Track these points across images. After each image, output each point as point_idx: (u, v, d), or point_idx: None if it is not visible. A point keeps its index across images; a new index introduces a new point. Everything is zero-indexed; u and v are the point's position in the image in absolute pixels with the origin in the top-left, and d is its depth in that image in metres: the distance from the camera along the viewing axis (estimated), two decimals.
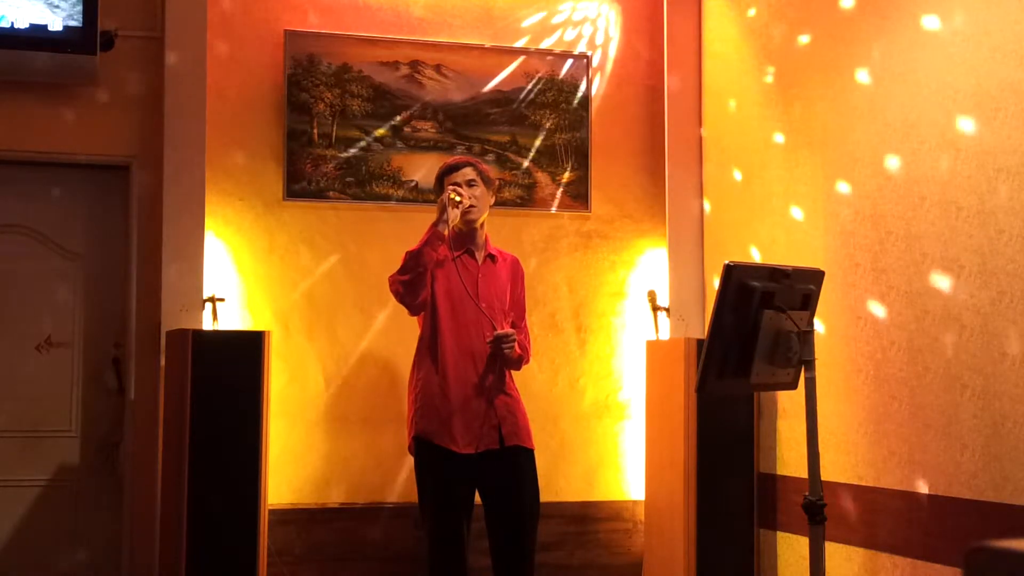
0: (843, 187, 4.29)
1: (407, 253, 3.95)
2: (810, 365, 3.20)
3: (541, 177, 5.14)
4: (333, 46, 4.91)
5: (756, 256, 4.77)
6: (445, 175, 4.12)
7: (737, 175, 4.96)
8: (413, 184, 4.97)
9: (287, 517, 4.68)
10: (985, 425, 3.61)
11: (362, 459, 4.83)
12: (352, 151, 4.91)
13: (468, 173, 4.09)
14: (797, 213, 4.55)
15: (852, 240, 4.22)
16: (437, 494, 3.94)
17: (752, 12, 4.88)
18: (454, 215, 3.95)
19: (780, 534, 4.65)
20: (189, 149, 4.60)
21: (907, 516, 3.93)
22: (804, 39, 4.55)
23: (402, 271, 3.95)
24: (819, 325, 4.13)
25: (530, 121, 5.13)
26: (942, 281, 3.79)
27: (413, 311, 4.04)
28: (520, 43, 5.15)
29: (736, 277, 3.15)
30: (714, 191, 5.12)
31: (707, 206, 5.16)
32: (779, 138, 4.68)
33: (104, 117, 4.63)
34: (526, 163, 5.12)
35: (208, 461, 4.16)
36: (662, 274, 5.18)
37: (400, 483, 4.75)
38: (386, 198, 4.94)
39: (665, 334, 5.11)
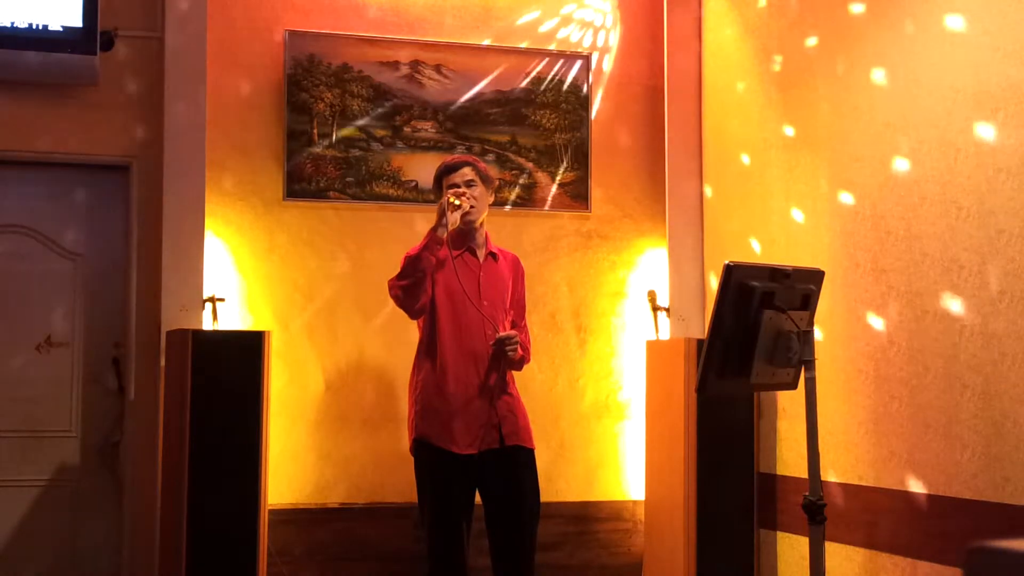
0: (843, 187, 4.29)
1: (406, 258, 3.93)
2: (810, 365, 3.20)
3: (541, 177, 5.14)
4: (333, 46, 4.91)
5: (756, 256, 4.77)
6: (444, 175, 4.11)
7: (737, 175, 4.96)
8: (413, 184, 4.97)
9: (287, 517, 4.68)
10: (985, 425, 3.61)
11: (362, 459, 4.83)
12: (352, 151, 4.91)
13: (467, 173, 4.08)
14: (797, 213, 4.55)
15: (852, 240, 4.22)
16: (437, 494, 3.94)
17: (752, 13, 4.88)
18: (453, 219, 3.93)
19: (780, 534, 4.65)
20: (189, 149, 4.60)
21: (907, 516, 3.93)
22: (804, 39, 4.55)
23: (401, 276, 3.93)
24: (819, 325, 4.13)
25: (530, 121, 5.13)
26: (942, 281, 3.79)
27: (413, 316, 4.03)
28: (520, 43, 5.15)
29: (736, 277, 3.15)
30: (714, 191, 5.12)
31: (707, 206, 5.16)
32: (779, 138, 4.68)
33: (104, 117, 4.63)
34: (526, 163, 5.12)
35: (208, 461, 4.16)
36: (662, 274, 5.18)
37: (400, 483, 4.75)
38: (386, 198, 4.94)
39: (665, 334, 5.11)
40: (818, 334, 4.18)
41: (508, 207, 5.04)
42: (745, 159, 4.91)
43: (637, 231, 5.25)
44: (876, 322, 4.09)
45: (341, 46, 4.92)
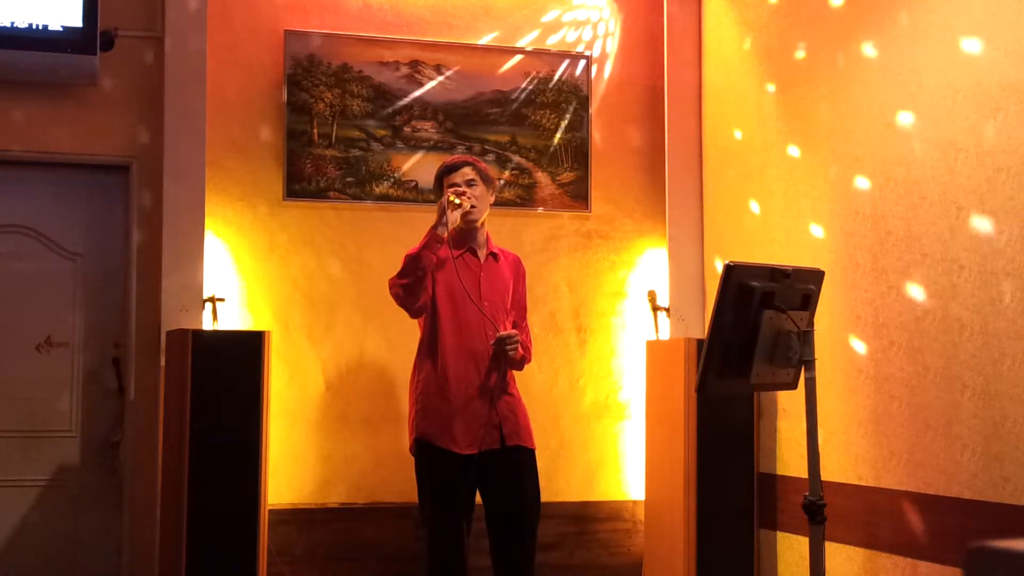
0: (843, 187, 4.29)
1: (406, 256, 3.94)
2: (810, 365, 3.20)
3: (541, 177, 5.14)
4: (333, 46, 4.91)
5: (756, 255, 4.77)
6: (444, 175, 4.11)
7: (737, 175, 4.96)
8: (413, 184, 4.97)
9: (287, 517, 4.68)
10: (985, 425, 3.61)
11: (362, 459, 4.83)
12: (352, 151, 4.91)
13: (468, 173, 4.09)
14: (797, 213, 4.55)
15: (852, 240, 4.22)
16: (437, 494, 3.94)
17: (752, 13, 4.88)
18: (453, 218, 3.94)
19: (780, 534, 4.65)
20: (189, 149, 4.60)
21: (907, 516, 3.93)
22: (804, 39, 4.55)
23: (401, 274, 3.94)
24: (819, 325, 4.13)
25: (530, 121, 5.13)
26: (942, 281, 3.79)
27: (413, 314, 4.04)
28: (520, 43, 5.15)
29: (736, 277, 3.15)
30: (714, 191, 5.12)
31: (707, 206, 5.16)
32: (779, 138, 4.68)
33: (104, 117, 4.63)
34: (526, 163, 5.12)
35: (208, 461, 4.16)
36: (662, 274, 5.18)
37: (400, 483, 4.74)
38: (386, 198, 4.94)
39: (665, 334, 5.11)
40: (818, 334, 4.17)
41: (508, 207, 5.03)
42: (745, 159, 4.91)
43: (637, 231, 5.25)
44: (876, 322, 4.09)
45: (341, 46, 4.92)
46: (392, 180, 4.95)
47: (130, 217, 4.67)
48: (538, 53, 5.16)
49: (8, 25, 4.36)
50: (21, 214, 4.65)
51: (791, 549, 4.59)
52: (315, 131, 4.87)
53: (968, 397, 3.68)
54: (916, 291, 3.91)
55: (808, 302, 3.33)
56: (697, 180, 5.19)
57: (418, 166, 4.96)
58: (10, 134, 4.55)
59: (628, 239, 5.24)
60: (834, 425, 4.23)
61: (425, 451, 3.98)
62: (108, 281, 4.69)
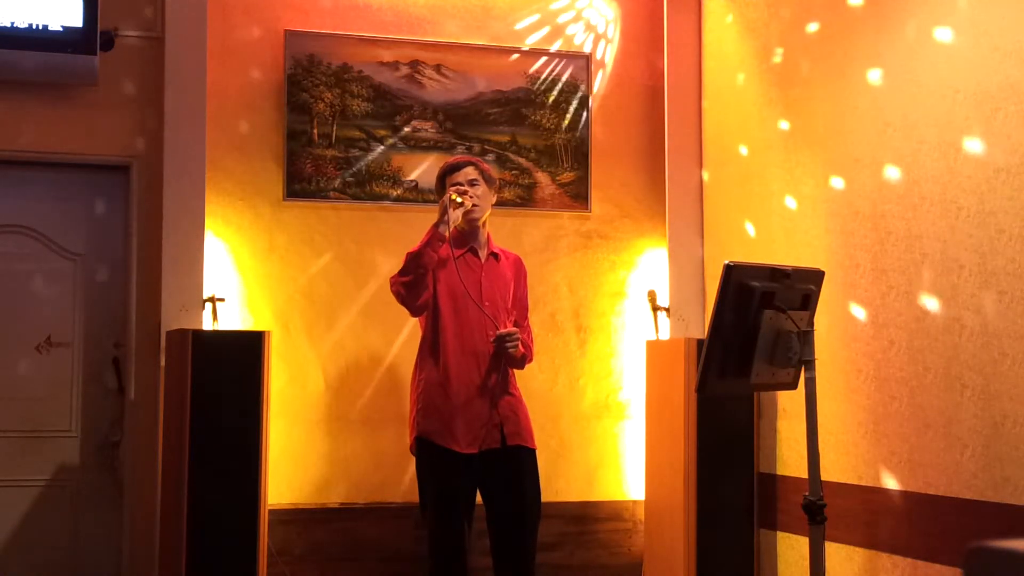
0: (843, 187, 4.29)
1: (408, 254, 3.95)
2: (810, 365, 3.21)
3: (541, 177, 5.14)
4: (333, 46, 4.91)
5: (757, 256, 4.77)
6: (447, 174, 4.12)
7: (737, 176, 4.96)
8: (413, 184, 4.97)
9: (287, 517, 4.68)
10: (985, 425, 3.61)
11: (362, 459, 4.83)
12: (352, 151, 4.91)
13: (470, 172, 4.10)
14: (797, 214, 4.55)
15: (852, 240, 4.22)
16: (438, 494, 3.94)
17: (752, 13, 4.88)
18: (455, 216, 3.95)
19: (780, 534, 4.65)
20: (189, 149, 4.60)
21: (907, 516, 3.93)
22: (804, 39, 4.55)
23: (403, 272, 3.95)
24: (819, 325, 4.13)
25: (530, 121, 5.13)
26: (942, 281, 3.79)
27: (414, 312, 4.05)
28: (520, 43, 5.15)
29: (736, 277, 3.16)
30: (714, 191, 5.12)
31: (707, 206, 5.16)
32: (779, 138, 4.68)
33: (104, 117, 4.63)
34: (526, 163, 5.12)
35: (208, 461, 4.16)
36: (662, 274, 5.18)
37: (400, 483, 4.75)
38: (386, 198, 4.94)
39: (665, 334, 5.11)
40: (818, 334, 4.17)
41: (508, 207, 5.04)
42: (745, 159, 4.91)
43: (637, 231, 5.25)
44: (876, 322, 4.09)
45: (341, 46, 4.92)
46: (392, 180, 4.95)
47: (130, 217, 4.67)
48: (538, 53, 5.16)
49: (8, 25, 4.36)
50: (21, 214, 4.65)
51: (791, 549, 4.59)
52: (315, 131, 4.87)
53: (968, 397, 3.68)
54: (916, 291, 3.91)
55: (808, 302, 3.33)
56: (697, 180, 5.19)
57: (418, 166, 4.96)
58: (10, 134, 4.55)
59: (628, 239, 5.24)
60: (834, 425, 4.23)
61: (426, 450, 3.98)
62: (108, 281, 4.69)
